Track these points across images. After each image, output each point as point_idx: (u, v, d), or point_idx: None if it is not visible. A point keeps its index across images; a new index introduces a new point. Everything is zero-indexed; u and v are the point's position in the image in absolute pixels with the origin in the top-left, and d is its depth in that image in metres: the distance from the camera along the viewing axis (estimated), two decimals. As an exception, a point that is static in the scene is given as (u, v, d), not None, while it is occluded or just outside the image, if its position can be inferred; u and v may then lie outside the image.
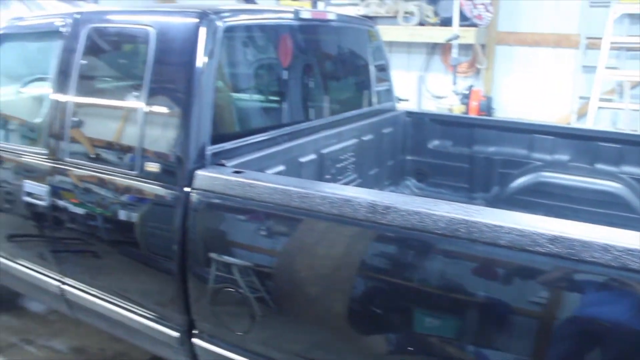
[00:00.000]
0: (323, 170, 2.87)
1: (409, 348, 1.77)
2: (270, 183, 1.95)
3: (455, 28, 6.12)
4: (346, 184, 3.09)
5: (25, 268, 2.92)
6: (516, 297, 1.59)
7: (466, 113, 6.17)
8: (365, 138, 3.29)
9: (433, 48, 6.96)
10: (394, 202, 1.74)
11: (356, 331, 1.90)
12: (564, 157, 3.41)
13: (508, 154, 3.59)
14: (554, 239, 1.49)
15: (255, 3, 4.68)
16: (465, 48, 6.58)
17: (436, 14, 6.56)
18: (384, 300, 1.81)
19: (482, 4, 6.17)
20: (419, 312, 1.74)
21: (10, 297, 4.09)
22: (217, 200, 2.07)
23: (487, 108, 6.31)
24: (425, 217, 1.67)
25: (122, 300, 2.50)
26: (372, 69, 3.55)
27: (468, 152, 3.71)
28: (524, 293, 1.58)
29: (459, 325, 1.68)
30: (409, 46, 6.97)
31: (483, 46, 6.59)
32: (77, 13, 2.63)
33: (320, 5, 6.75)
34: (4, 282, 3.35)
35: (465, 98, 6.32)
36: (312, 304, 1.92)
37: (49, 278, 2.79)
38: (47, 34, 2.82)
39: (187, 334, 2.31)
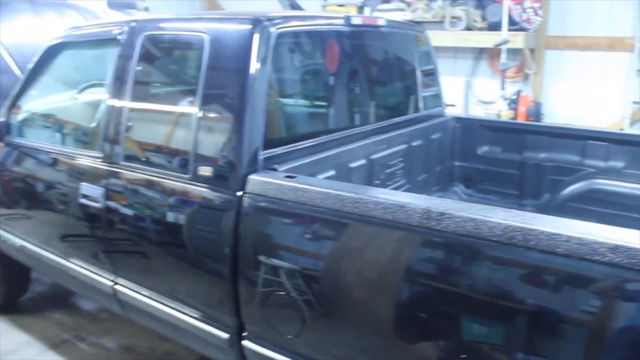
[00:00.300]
0: (372, 175, 2.86)
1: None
2: (323, 188, 1.96)
3: (504, 32, 6.02)
4: (395, 189, 3.08)
5: (79, 267, 3.00)
6: (573, 306, 1.55)
7: (514, 119, 6.06)
8: (414, 144, 3.27)
9: (480, 53, 6.87)
10: (449, 208, 1.72)
11: (407, 338, 1.88)
12: (619, 164, 3.31)
13: (560, 161, 3.51)
14: (615, 248, 1.44)
15: (301, 9, 4.71)
16: (514, 53, 6.46)
17: (484, 18, 6.47)
18: (435, 307, 1.78)
19: (532, 8, 6.05)
20: (470, 320, 1.71)
21: (64, 295, 4.23)
22: (269, 205, 2.09)
23: (535, 114, 6.18)
24: (480, 224, 1.64)
25: (173, 301, 2.54)
26: (419, 75, 3.52)
27: (518, 158, 3.65)
28: (581, 303, 1.53)
29: (513, 335, 1.64)
30: (455, 51, 6.90)
31: (532, 50, 6.46)
32: (134, 21, 2.70)
33: (367, 11, 6.75)
34: (58, 281, 3.46)
35: (514, 103, 6.20)
36: (362, 309, 1.91)
37: (102, 278, 2.86)
38: (103, 41, 2.91)
39: (237, 336, 2.32)
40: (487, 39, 6.34)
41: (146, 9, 5.01)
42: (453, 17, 6.62)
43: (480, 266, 1.68)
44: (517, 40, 6.15)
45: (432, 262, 1.79)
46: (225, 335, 2.34)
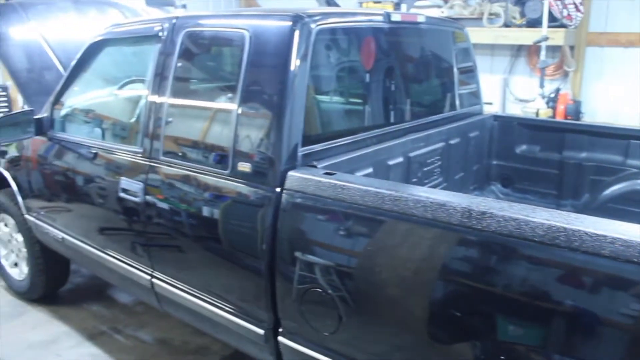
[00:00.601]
0: (410, 173, 2.84)
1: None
2: (363, 185, 1.95)
3: (544, 29, 5.90)
4: (432, 187, 3.05)
5: (117, 260, 3.05)
6: (617, 310, 1.51)
7: (553, 117, 5.94)
8: (452, 142, 3.23)
9: (518, 50, 6.74)
10: (490, 207, 1.69)
11: (443, 338, 1.86)
12: (664, 165, 3.22)
13: (601, 160, 3.44)
14: (663, 252, 1.39)
15: (337, 6, 4.69)
16: (553, 50, 6.33)
17: (522, 15, 6.35)
18: (473, 307, 1.76)
19: (573, 4, 5.90)
20: (508, 321, 1.68)
21: (102, 287, 4.31)
22: (308, 202, 2.09)
23: (574, 112, 6.03)
24: (523, 223, 1.61)
25: (209, 296, 2.55)
26: (457, 72, 3.48)
27: (557, 157, 3.58)
28: (626, 306, 1.49)
29: (552, 338, 1.61)
30: (492, 48, 6.79)
31: (572, 48, 6.32)
32: (174, 17, 2.72)
33: (403, 8, 6.70)
34: (97, 273, 3.53)
35: (552, 101, 6.07)
36: (399, 308, 1.90)
37: (139, 271, 2.90)
38: (144, 38, 2.95)
39: (273, 331, 2.33)
40: (526, 36, 6.21)
41: (184, 7, 5.07)
42: (491, 14, 6.52)
43: (521, 267, 1.65)
44: (557, 37, 6.02)
45: (471, 261, 1.76)
46: (260, 331, 2.35)
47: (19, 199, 3.77)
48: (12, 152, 3.78)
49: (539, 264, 1.62)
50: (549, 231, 1.56)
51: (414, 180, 2.89)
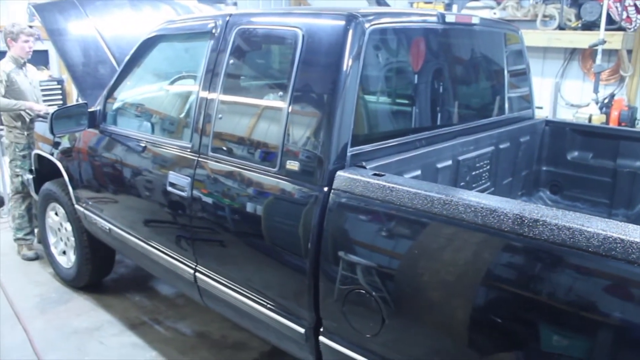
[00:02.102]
0: (458, 177, 2.80)
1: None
2: (412, 188, 1.92)
3: (601, 32, 5.71)
4: (480, 192, 2.99)
5: (162, 253, 3.09)
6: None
7: (606, 123, 5.74)
8: (501, 146, 3.16)
9: (571, 53, 6.56)
10: (543, 215, 1.65)
11: (488, 346, 1.82)
12: None
13: (658, 170, 3.31)
14: None
15: (387, 5, 4.65)
16: (609, 54, 6.12)
17: (578, 17, 6.17)
18: (520, 316, 1.72)
19: (633, 5, 5.69)
20: (555, 332, 1.64)
21: (145, 278, 4.40)
22: (355, 202, 2.07)
23: (629, 119, 5.82)
24: (577, 233, 1.56)
25: (251, 292, 2.57)
26: (507, 75, 3.40)
27: (611, 165, 3.47)
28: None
29: (601, 352, 1.56)
30: (544, 51, 6.62)
31: (629, 52, 6.10)
32: (228, 15, 2.74)
33: (454, 8, 6.60)
34: (141, 264, 3.60)
35: (606, 107, 5.88)
36: (443, 312, 1.87)
37: (183, 265, 2.94)
38: (197, 34, 2.98)
39: (314, 330, 2.33)
40: (581, 39, 6.03)
41: (235, 4, 5.11)
42: (545, 16, 6.35)
43: (573, 278, 1.61)
44: (615, 40, 5.82)
45: (520, 269, 1.72)
46: (301, 329, 2.35)
47: (70, 189, 3.88)
48: (65, 143, 3.89)
49: (592, 276, 1.57)
50: (604, 242, 1.51)
51: (462, 184, 2.85)
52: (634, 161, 3.40)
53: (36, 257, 4.80)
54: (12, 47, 4.53)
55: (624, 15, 5.78)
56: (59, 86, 6.58)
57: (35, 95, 4.72)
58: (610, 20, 5.83)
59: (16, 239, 4.86)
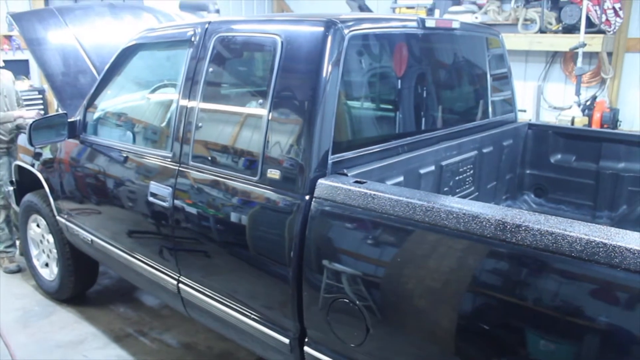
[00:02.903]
0: (442, 182, 2.79)
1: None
2: (393, 195, 1.90)
3: (581, 35, 5.75)
4: (463, 197, 2.99)
5: (144, 264, 3.06)
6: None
7: (588, 125, 5.78)
8: (485, 150, 3.16)
9: (553, 57, 6.60)
10: (526, 220, 1.64)
11: (476, 356, 1.80)
12: None
13: (640, 171, 3.33)
14: None
15: (370, 11, 4.66)
16: (590, 56, 6.17)
17: (559, 20, 6.21)
18: (504, 323, 1.71)
19: (612, 9, 5.75)
20: (541, 339, 1.62)
21: (129, 289, 4.35)
22: (337, 210, 2.05)
23: (611, 120, 5.86)
24: (560, 238, 1.55)
25: (235, 303, 2.54)
26: (490, 79, 3.41)
27: (594, 167, 3.49)
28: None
29: (587, 356, 1.55)
30: (526, 55, 6.66)
31: (609, 54, 6.16)
32: (207, 22, 2.72)
33: (436, 13, 6.63)
34: (124, 276, 3.56)
35: (588, 109, 5.92)
36: (428, 321, 1.85)
37: (166, 275, 2.90)
38: (176, 43, 2.95)
39: (298, 341, 2.31)
40: (562, 42, 6.07)
41: (217, 11, 5.09)
42: (526, 20, 6.39)
43: (557, 283, 1.59)
44: (595, 43, 5.86)
45: (504, 275, 1.71)
46: (286, 340, 2.33)
47: (51, 200, 3.83)
48: (46, 154, 3.84)
49: (576, 280, 1.56)
50: (587, 246, 1.50)
51: (446, 189, 2.84)
52: (617, 163, 3.42)
53: (18, 270, 4.73)
54: None
55: (604, 18, 5.83)
56: (40, 96, 6.51)
57: (7, 104, 4.62)
58: (590, 23, 5.88)
59: None
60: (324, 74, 2.16)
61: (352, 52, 2.34)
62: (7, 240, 4.79)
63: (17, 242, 4.84)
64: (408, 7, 6.98)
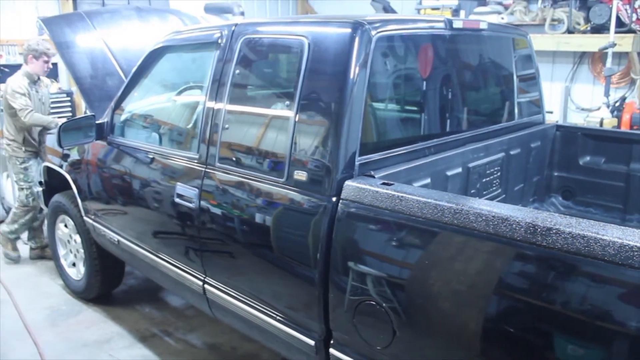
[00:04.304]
0: (469, 184, 2.76)
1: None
2: (422, 197, 1.89)
3: (611, 35, 5.65)
4: (491, 199, 2.95)
5: (171, 265, 3.08)
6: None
7: (617, 127, 5.68)
8: (512, 152, 3.12)
9: (581, 57, 6.50)
10: (557, 223, 1.61)
11: (502, 357, 1.78)
12: None
13: (672, 173, 3.26)
14: None
15: (394, 12, 4.64)
16: (619, 56, 6.06)
17: (587, 20, 6.11)
18: (534, 327, 1.68)
19: (643, 8, 5.64)
20: (569, 342, 1.60)
21: (154, 289, 4.39)
22: (364, 212, 2.04)
23: (641, 122, 5.76)
24: (592, 241, 1.52)
25: (261, 304, 2.54)
26: (516, 80, 3.36)
27: (624, 169, 3.41)
28: None
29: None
30: (554, 55, 6.56)
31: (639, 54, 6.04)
32: (233, 24, 2.73)
33: (462, 14, 6.57)
34: (150, 276, 3.59)
35: (617, 111, 5.81)
36: (455, 324, 1.83)
37: (192, 276, 2.92)
38: (203, 45, 2.97)
39: (324, 343, 2.30)
40: (590, 43, 5.96)
41: (242, 14, 5.12)
42: (553, 20, 6.30)
43: (588, 287, 1.57)
44: (625, 43, 5.74)
45: (534, 279, 1.68)
46: (311, 342, 2.32)
47: (79, 201, 3.88)
48: (74, 155, 3.90)
49: (608, 284, 1.53)
50: (621, 250, 1.47)
51: (473, 191, 2.81)
52: (648, 165, 3.35)
53: (18, 260, 4.94)
54: (31, 63, 4.59)
55: (634, 17, 5.71)
56: (68, 98, 6.61)
57: (43, 111, 4.77)
58: (620, 23, 5.76)
59: (3, 232, 4.94)
60: (351, 75, 2.16)
61: (379, 54, 2.32)
62: (17, 232, 4.95)
63: (22, 236, 5.05)
64: (433, 8, 6.93)
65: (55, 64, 6.71)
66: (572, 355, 1.60)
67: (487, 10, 6.64)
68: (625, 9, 5.70)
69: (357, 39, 2.18)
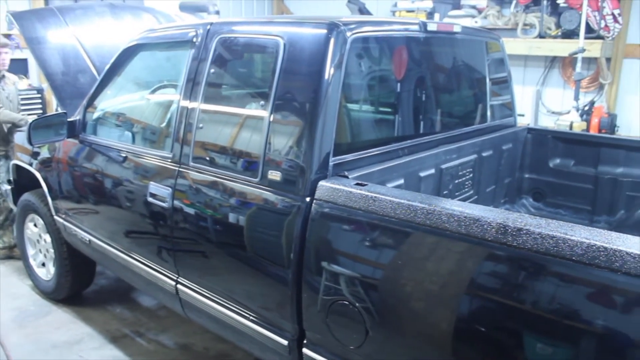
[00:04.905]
0: (441, 185, 2.79)
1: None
2: (395, 197, 1.90)
3: (581, 41, 5.78)
4: (463, 200, 2.99)
5: (142, 264, 3.05)
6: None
7: (586, 130, 5.81)
8: (484, 154, 3.17)
9: (552, 62, 6.63)
10: (527, 224, 1.64)
11: (475, 359, 1.80)
12: None
13: (638, 176, 3.34)
14: None
15: (370, 14, 4.66)
16: (588, 62, 6.20)
17: (558, 25, 6.23)
18: (505, 327, 1.70)
19: (611, 15, 5.77)
20: (541, 343, 1.62)
21: (126, 289, 4.34)
22: (338, 212, 2.05)
23: (609, 125, 5.89)
24: (561, 241, 1.55)
25: (234, 304, 2.54)
26: (489, 83, 3.41)
27: (592, 172, 3.50)
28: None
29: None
30: (526, 59, 6.68)
31: (608, 60, 6.18)
32: (209, 23, 2.72)
33: (436, 17, 6.64)
34: (122, 276, 3.55)
35: (586, 114, 5.94)
36: (427, 324, 1.85)
37: (164, 276, 2.89)
38: (178, 43, 2.95)
39: (297, 343, 2.30)
40: (561, 48, 6.09)
41: (217, 12, 5.09)
42: (525, 25, 6.41)
43: (557, 286, 1.60)
44: (594, 48, 5.88)
45: (504, 279, 1.70)
46: (284, 341, 2.32)
47: (49, 199, 3.82)
48: (45, 153, 3.83)
49: (576, 284, 1.56)
50: (588, 250, 1.51)
51: (445, 192, 2.84)
52: (615, 168, 3.43)
53: None
54: None
55: (603, 24, 5.85)
56: (39, 95, 6.50)
57: (12, 109, 4.67)
58: (589, 29, 5.90)
59: None
60: (326, 76, 2.16)
61: (354, 55, 2.34)
62: None
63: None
64: (408, 11, 6.99)
65: (25, 60, 6.60)
66: (541, 354, 1.62)
67: (461, 13, 6.73)
68: (594, 16, 5.83)
69: (332, 40, 2.19)
